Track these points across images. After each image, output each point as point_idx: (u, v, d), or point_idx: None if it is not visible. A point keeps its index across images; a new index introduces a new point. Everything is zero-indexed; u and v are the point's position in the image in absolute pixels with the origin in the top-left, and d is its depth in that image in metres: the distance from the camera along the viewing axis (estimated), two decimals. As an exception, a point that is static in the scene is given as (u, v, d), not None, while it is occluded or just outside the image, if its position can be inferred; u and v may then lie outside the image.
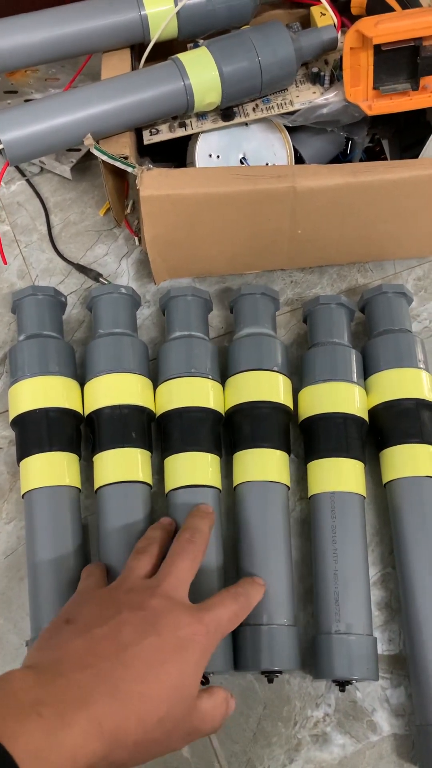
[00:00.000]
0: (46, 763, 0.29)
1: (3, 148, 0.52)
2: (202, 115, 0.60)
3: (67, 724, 0.31)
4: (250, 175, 0.55)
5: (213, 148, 0.61)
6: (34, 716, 0.30)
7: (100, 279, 0.64)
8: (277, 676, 0.47)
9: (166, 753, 0.37)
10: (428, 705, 0.46)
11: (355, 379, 0.55)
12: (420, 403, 0.54)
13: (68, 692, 0.33)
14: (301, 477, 0.56)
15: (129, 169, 0.55)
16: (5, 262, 0.64)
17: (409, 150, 0.64)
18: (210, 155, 0.61)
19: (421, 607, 0.48)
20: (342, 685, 0.47)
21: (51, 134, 0.53)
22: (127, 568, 0.44)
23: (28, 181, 0.69)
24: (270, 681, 0.47)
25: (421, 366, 0.56)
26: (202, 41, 0.59)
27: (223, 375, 0.57)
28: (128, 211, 0.65)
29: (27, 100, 0.71)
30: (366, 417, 0.55)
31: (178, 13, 0.58)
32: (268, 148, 0.62)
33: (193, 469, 0.52)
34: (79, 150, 0.68)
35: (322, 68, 0.60)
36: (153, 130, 0.60)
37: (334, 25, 0.59)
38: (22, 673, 0.34)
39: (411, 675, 0.47)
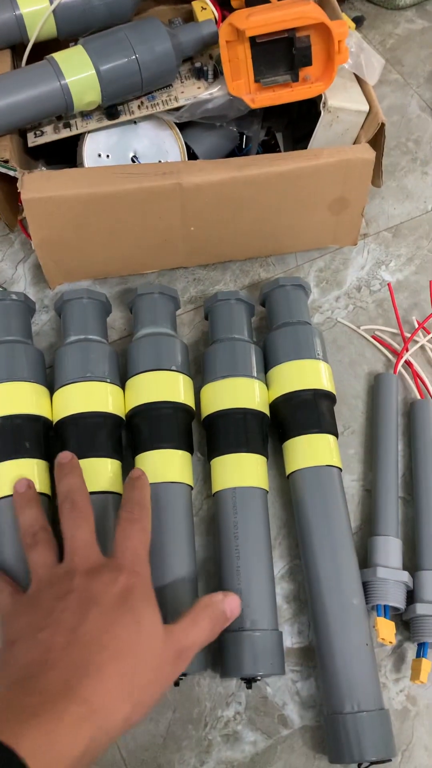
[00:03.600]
0: (48, 753, 0.31)
1: None
2: (87, 115, 0.59)
3: (59, 715, 0.33)
4: (134, 173, 0.54)
5: (102, 147, 0.60)
6: (29, 717, 0.32)
7: (-5, 286, 0.62)
8: (182, 679, 0.46)
9: (165, 689, 0.39)
10: (335, 694, 0.45)
11: (255, 374, 0.55)
12: (318, 394, 0.54)
13: (50, 690, 0.34)
14: (207, 475, 0.55)
15: (10, 173, 0.54)
16: None
17: (302, 141, 0.64)
18: (99, 155, 0.60)
19: (324, 596, 0.48)
20: (249, 682, 0.47)
21: None
22: (33, 564, 0.44)
23: None
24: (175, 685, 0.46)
25: (319, 357, 0.56)
26: (81, 40, 0.58)
27: (124, 378, 0.56)
28: (22, 215, 0.64)
29: None
30: (267, 411, 0.55)
31: (54, 13, 0.57)
32: (160, 145, 0.62)
33: (92, 475, 0.50)
34: (-32, 155, 0.66)
35: (206, 63, 0.59)
36: (38, 132, 0.58)
37: (215, 20, 0.59)
38: (4, 694, 0.35)
39: (318, 664, 0.47)
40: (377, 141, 0.59)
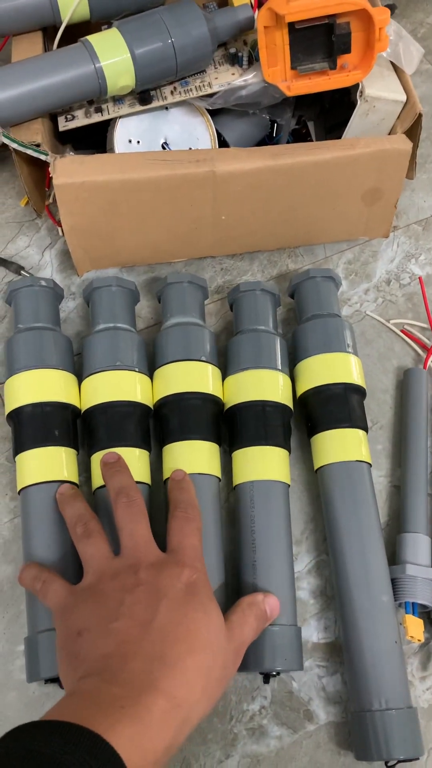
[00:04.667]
0: (141, 747, 0.32)
1: None
2: (118, 100, 0.58)
3: (147, 708, 0.33)
4: (167, 159, 0.53)
5: (132, 133, 0.59)
6: (117, 710, 0.33)
7: (22, 272, 0.61)
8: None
9: (230, 680, 0.41)
10: (362, 691, 0.45)
11: (279, 366, 0.55)
12: (348, 388, 0.54)
13: (133, 682, 0.35)
14: (230, 467, 0.54)
15: (42, 157, 0.53)
16: None
17: (335, 131, 0.63)
18: (130, 141, 0.59)
19: (353, 592, 0.48)
20: (266, 676, 0.46)
21: None
22: (88, 555, 0.43)
23: None
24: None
25: (350, 350, 0.55)
26: (116, 23, 0.57)
27: (152, 367, 0.55)
28: (50, 200, 0.63)
29: None
30: (291, 404, 0.54)
31: (88, -7, 0.56)
32: (191, 132, 0.61)
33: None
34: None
35: (240, 49, 0.58)
36: (68, 116, 0.58)
37: (251, 4, 0.58)
38: (84, 683, 0.35)
39: (345, 661, 0.47)
40: (413, 132, 0.58)
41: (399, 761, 0.43)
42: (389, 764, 0.44)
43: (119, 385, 0.52)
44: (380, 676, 0.45)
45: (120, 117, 0.58)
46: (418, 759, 0.44)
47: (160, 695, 0.34)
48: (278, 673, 0.46)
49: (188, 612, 0.39)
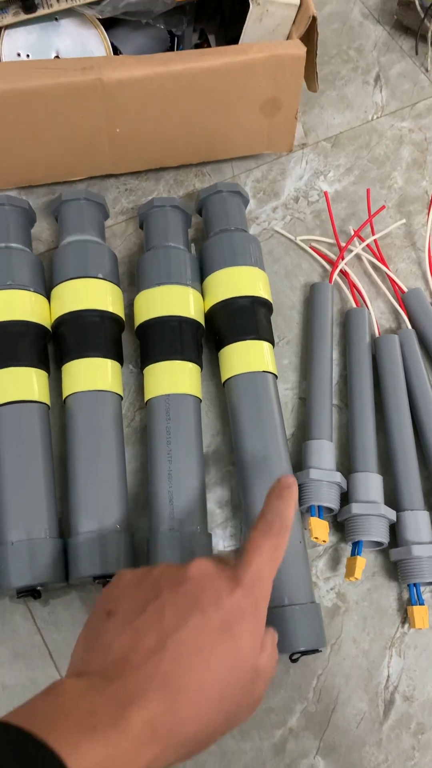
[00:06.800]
0: None
1: None
2: (2, 9, 0.55)
3: (122, 733, 0.30)
4: (52, 68, 0.51)
5: (21, 46, 0.57)
6: (88, 730, 0.29)
7: None
8: (108, 581, 0.45)
9: (232, 729, 0.35)
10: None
11: (190, 283, 0.54)
12: (254, 301, 0.53)
13: (119, 698, 0.31)
14: (140, 387, 0.54)
15: None
16: None
17: (235, 43, 0.61)
18: (18, 54, 0.57)
19: (257, 496, 0.48)
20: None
21: None
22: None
23: None
24: (104, 586, 0.46)
25: (255, 264, 0.55)
26: None
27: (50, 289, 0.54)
28: None
29: None
30: (201, 321, 0.54)
31: None
32: (84, 45, 0.58)
33: (16, 385, 0.49)
34: None
35: None
36: None
37: None
38: (71, 683, 0.32)
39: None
40: (309, 37, 0.56)
41: (302, 653, 0.44)
42: (293, 657, 0.45)
43: (11, 305, 0.50)
44: (284, 574, 0.45)
45: (5, 27, 0.55)
46: (320, 651, 0.45)
47: (138, 721, 0.30)
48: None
49: (218, 642, 0.33)
